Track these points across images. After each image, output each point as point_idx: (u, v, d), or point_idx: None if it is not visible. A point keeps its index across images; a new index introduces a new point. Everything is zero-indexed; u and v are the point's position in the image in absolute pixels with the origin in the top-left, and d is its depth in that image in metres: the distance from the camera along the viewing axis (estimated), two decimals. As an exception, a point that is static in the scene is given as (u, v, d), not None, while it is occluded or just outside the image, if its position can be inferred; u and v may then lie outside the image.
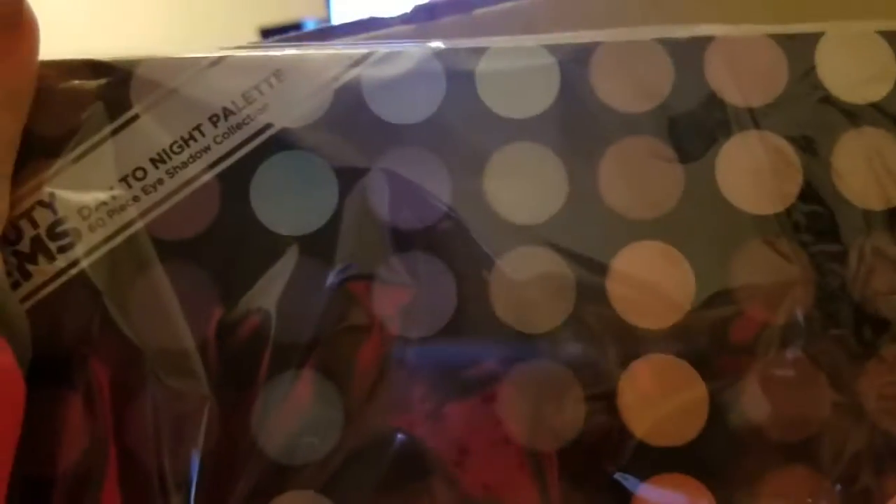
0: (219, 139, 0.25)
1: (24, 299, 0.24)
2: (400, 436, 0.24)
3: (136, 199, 0.25)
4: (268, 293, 0.24)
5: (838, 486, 0.23)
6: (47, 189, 0.25)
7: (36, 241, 0.25)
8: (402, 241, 0.25)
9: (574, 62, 0.26)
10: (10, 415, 0.22)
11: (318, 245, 0.25)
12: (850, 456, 0.23)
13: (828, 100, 0.26)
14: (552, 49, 0.26)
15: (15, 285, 0.24)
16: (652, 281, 0.25)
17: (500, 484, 0.24)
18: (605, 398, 0.24)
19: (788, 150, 0.26)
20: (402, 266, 0.25)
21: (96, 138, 0.25)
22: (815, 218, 0.25)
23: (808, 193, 0.25)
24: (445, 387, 0.24)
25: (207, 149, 0.25)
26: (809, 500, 0.23)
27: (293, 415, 0.24)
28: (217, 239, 0.25)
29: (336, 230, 0.25)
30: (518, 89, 0.26)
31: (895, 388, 0.24)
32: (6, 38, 0.23)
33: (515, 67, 0.26)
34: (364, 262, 0.25)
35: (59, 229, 0.25)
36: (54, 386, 0.24)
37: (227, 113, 0.26)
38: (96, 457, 0.23)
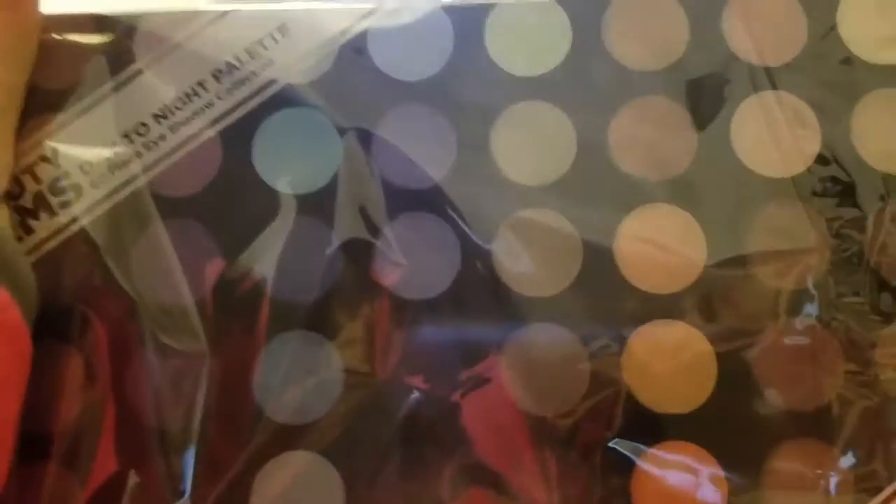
0: (222, 95, 0.24)
1: (26, 255, 0.23)
2: (404, 399, 0.23)
3: (138, 154, 0.24)
4: (267, 252, 0.23)
5: (849, 458, 0.22)
6: (50, 144, 0.24)
7: (38, 196, 0.23)
8: (405, 202, 0.23)
9: (586, 18, 0.24)
10: (18, 369, 0.21)
11: (319, 204, 0.23)
12: (862, 427, 0.22)
13: (849, 60, 0.24)
14: (565, 4, 0.24)
15: (17, 241, 0.23)
16: (661, 245, 0.23)
17: (501, 450, 0.22)
18: (610, 364, 0.22)
19: (807, 111, 0.24)
20: (405, 227, 0.23)
21: (99, 93, 0.24)
22: (834, 182, 0.23)
23: (827, 157, 0.23)
24: (449, 353, 0.23)
25: (210, 104, 0.24)
26: (819, 472, 0.22)
27: (294, 375, 0.22)
28: (218, 195, 0.23)
29: (337, 190, 0.23)
30: (528, 46, 0.24)
31: (912, 359, 0.22)
32: None
33: (526, 23, 0.24)
34: (365, 223, 0.23)
35: (61, 185, 0.23)
36: (54, 342, 0.22)
37: (230, 68, 0.24)
38: (94, 414, 0.22)
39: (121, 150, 0.24)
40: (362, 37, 0.24)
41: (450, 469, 0.22)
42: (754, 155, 0.24)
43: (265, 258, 0.23)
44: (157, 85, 0.24)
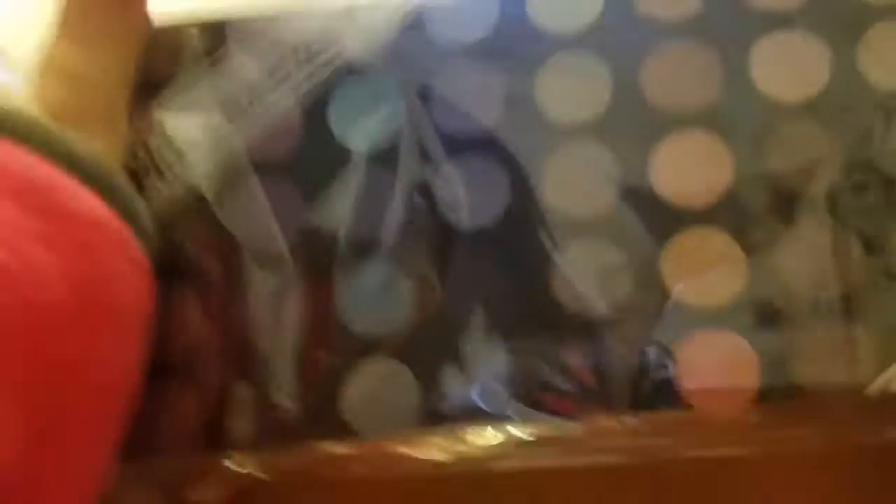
0: (300, 69, 0.28)
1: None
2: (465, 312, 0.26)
3: (231, 121, 0.28)
4: (343, 198, 0.27)
5: (871, 331, 0.24)
6: (157, 117, 0.28)
7: (149, 161, 0.28)
8: (459, 145, 0.27)
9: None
10: (144, 298, 0.25)
11: (386, 155, 0.27)
12: (884, 309, 0.24)
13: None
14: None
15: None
16: (693, 165, 0.26)
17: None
18: (649, 269, 0.25)
19: (817, 42, 0.26)
20: (461, 168, 0.27)
21: (197, 73, 0.28)
22: (842, 103, 0.26)
23: (837, 81, 0.26)
24: (500, 279, 0.26)
25: (290, 77, 0.28)
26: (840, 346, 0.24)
27: (369, 297, 0.26)
28: (300, 155, 0.27)
29: (400, 142, 0.27)
30: (564, 5, 0.27)
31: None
32: None
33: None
34: (426, 167, 0.27)
35: (168, 150, 0.28)
36: (169, 281, 0.26)
37: (306, 45, 0.28)
38: (208, 336, 0.26)
39: (217, 119, 0.28)
40: (418, 10, 0.28)
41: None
42: (771, 83, 0.26)
43: (342, 205, 0.27)
44: (245, 63, 0.28)
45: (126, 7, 0.27)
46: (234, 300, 0.26)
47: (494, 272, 0.26)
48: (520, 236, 0.26)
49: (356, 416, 0.25)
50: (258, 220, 0.27)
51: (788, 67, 0.26)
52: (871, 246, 0.24)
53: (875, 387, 0.23)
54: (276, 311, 0.26)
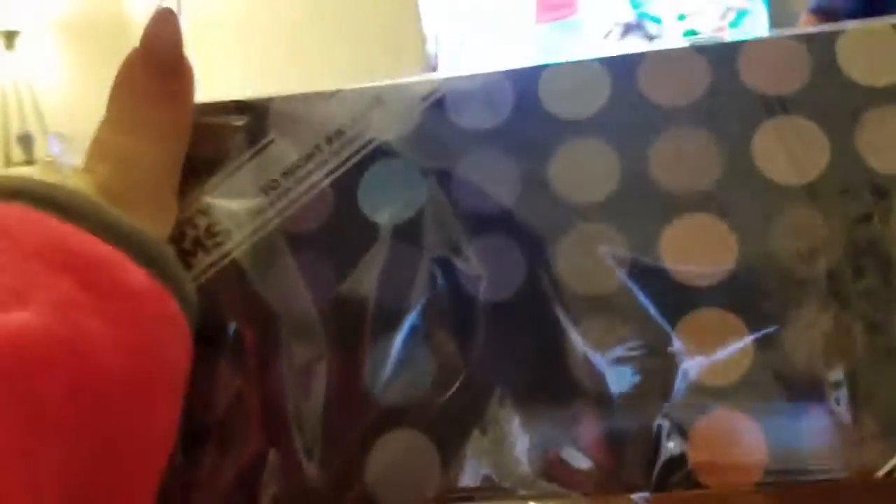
0: (334, 153, 0.30)
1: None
2: (486, 386, 0.27)
3: (271, 204, 0.30)
4: (371, 271, 0.28)
5: (877, 411, 0.25)
6: (204, 200, 0.30)
7: (196, 240, 0.30)
8: (480, 225, 0.29)
9: (622, 69, 0.29)
10: (185, 366, 0.27)
11: (410, 233, 0.29)
12: (887, 394, 0.25)
13: (849, 84, 0.28)
14: (604, 62, 0.30)
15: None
16: (698, 248, 0.27)
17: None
18: (662, 346, 0.26)
19: (815, 129, 0.28)
20: (481, 245, 0.28)
21: (241, 159, 0.31)
22: (844, 185, 0.27)
23: (836, 164, 0.27)
24: (522, 351, 0.27)
25: (325, 161, 0.30)
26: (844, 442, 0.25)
27: (396, 368, 0.27)
28: (332, 231, 0.29)
29: (424, 220, 0.29)
30: (575, 94, 0.29)
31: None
32: (173, 82, 0.29)
33: (574, 77, 0.30)
34: (448, 244, 0.28)
35: (214, 230, 0.30)
36: (210, 350, 0.28)
37: (339, 132, 0.30)
38: (242, 405, 0.28)
39: (259, 200, 0.30)
40: (441, 98, 0.30)
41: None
42: (772, 166, 0.28)
43: (369, 277, 0.28)
44: (284, 149, 0.30)
45: (173, 100, 0.30)
46: (268, 368, 0.28)
47: (513, 347, 0.27)
48: (536, 311, 0.28)
49: (379, 486, 0.26)
50: (292, 291, 0.29)
51: (789, 152, 0.28)
52: (873, 326, 0.25)
53: (883, 472, 0.24)
54: (307, 379, 0.28)
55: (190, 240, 0.30)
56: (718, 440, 0.25)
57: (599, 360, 0.27)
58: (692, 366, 0.26)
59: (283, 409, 0.27)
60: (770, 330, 0.26)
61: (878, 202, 0.27)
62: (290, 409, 0.27)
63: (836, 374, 0.25)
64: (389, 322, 0.28)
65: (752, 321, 0.26)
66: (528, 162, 0.29)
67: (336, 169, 0.30)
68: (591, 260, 0.28)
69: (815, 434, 0.25)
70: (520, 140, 0.29)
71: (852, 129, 0.28)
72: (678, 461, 0.26)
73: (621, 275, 0.27)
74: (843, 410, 0.25)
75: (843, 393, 0.25)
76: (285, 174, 0.30)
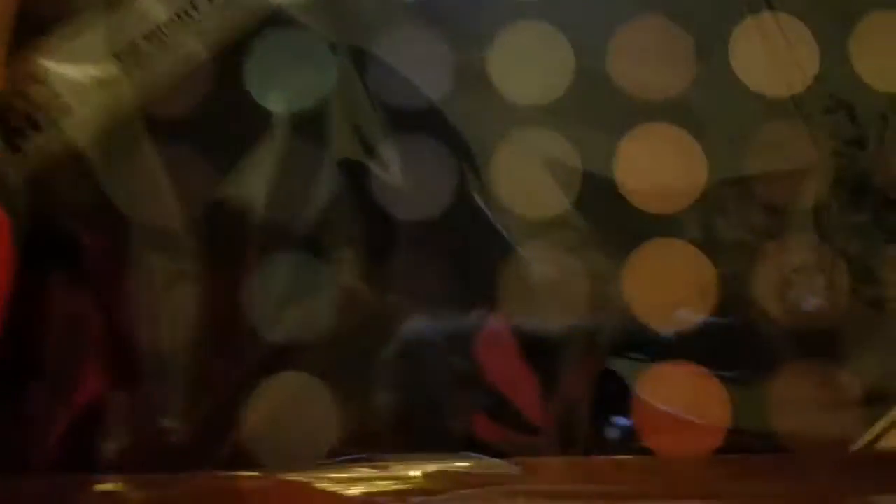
0: (214, 15, 0.23)
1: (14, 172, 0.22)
2: (403, 321, 0.22)
3: (128, 73, 0.23)
4: (259, 172, 0.22)
5: (855, 377, 0.21)
6: (41, 64, 0.23)
7: (26, 116, 0.22)
8: (401, 122, 0.22)
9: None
10: (2, 274, 0.20)
11: (313, 124, 0.22)
12: (870, 346, 0.21)
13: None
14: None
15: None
16: (661, 164, 0.22)
17: (502, 372, 0.21)
18: (610, 283, 0.22)
19: (804, 31, 0.23)
20: (401, 148, 0.22)
21: (90, 15, 0.23)
22: (833, 101, 0.22)
23: (826, 76, 0.23)
24: (448, 275, 0.22)
25: (202, 25, 0.23)
26: (825, 390, 0.21)
27: (288, 296, 0.21)
28: (209, 116, 0.23)
29: (331, 109, 0.22)
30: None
31: (917, 276, 0.21)
32: None
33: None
34: (361, 143, 0.22)
35: (51, 104, 0.22)
36: (40, 260, 0.21)
37: (222, -13, 0.23)
38: (79, 334, 0.21)
39: (111, 69, 0.23)
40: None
41: (452, 391, 0.21)
42: (753, 74, 0.23)
43: (257, 179, 0.22)
44: (149, 5, 0.23)
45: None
46: (116, 288, 0.21)
47: (435, 276, 0.22)
48: (465, 234, 0.22)
49: (259, 443, 0.21)
50: (152, 190, 0.22)
51: (772, 56, 0.23)
52: (861, 271, 0.21)
53: (860, 444, 0.20)
54: (167, 305, 0.21)
55: (19, 115, 0.22)
56: (670, 397, 0.21)
57: (536, 294, 0.22)
58: (642, 307, 0.22)
59: (133, 342, 0.21)
60: (738, 269, 0.22)
61: (872, 125, 0.22)
62: (144, 343, 0.21)
63: (814, 326, 0.21)
64: (280, 238, 0.22)
65: (719, 257, 0.22)
66: (463, 47, 0.23)
67: (217, 36, 0.23)
68: (534, 174, 0.22)
69: (786, 397, 0.21)
70: (453, 18, 0.23)
71: (846, 37, 0.23)
72: (621, 420, 0.21)
73: (569, 193, 0.22)
74: (820, 370, 0.21)
75: (822, 349, 0.21)
76: (148, 38, 0.23)
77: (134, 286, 0.21)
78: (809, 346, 0.21)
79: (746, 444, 0.21)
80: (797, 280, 0.21)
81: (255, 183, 0.22)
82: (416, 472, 0.20)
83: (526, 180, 0.22)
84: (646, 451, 0.21)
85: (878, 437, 0.21)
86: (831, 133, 0.22)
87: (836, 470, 0.20)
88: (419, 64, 0.23)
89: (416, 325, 0.21)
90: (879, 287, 0.21)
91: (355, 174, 0.22)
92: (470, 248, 0.22)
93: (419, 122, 0.22)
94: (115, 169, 0.22)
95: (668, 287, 0.22)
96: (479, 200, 0.22)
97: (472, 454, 0.21)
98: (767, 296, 0.21)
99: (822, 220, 0.22)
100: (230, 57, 0.23)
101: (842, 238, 0.22)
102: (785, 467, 0.20)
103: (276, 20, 0.23)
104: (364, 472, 0.20)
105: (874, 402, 0.21)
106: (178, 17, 0.23)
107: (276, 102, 0.23)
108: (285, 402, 0.21)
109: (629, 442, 0.21)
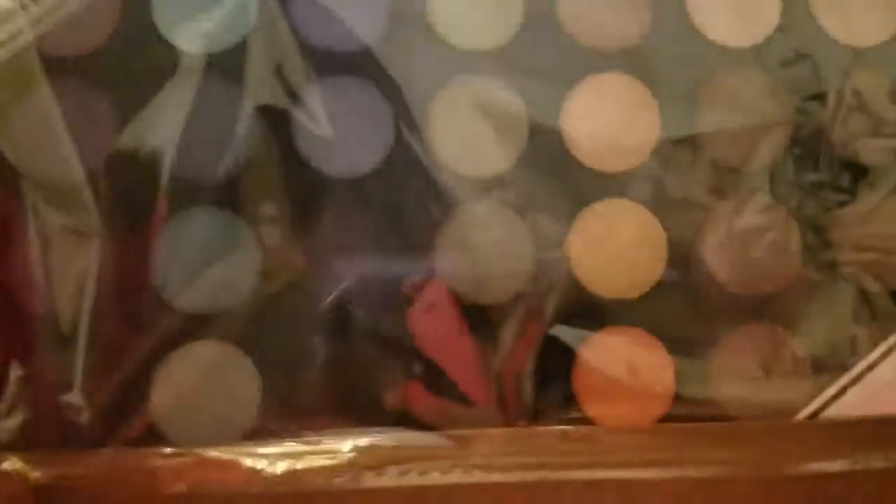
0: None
1: None
2: (332, 286, 0.20)
3: (23, 7, 0.20)
4: (169, 118, 0.19)
5: (804, 343, 0.20)
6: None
7: None
8: (329, 65, 0.20)
9: None
10: None
11: (229, 65, 0.20)
12: (818, 310, 0.20)
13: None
14: None
15: None
16: (613, 118, 0.21)
17: (440, 340, 0.20)
18: (555, 246, 0.20)
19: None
20: (329, 94, 0.20)
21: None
22: (794, 54, 0.21)
23: (787, 26, 0.21)
24: (381, 236, 0.20)
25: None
26: (772, 356, 0.20)
27: (201, 258, 0.19)
28: (113, 55, 0.20)
29: (248, 49, 0.20)
30: None
31: (871, 240, 0.20)
32: None
33: None
34: (283, 87, 0.20)
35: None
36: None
37: None
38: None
39: (4, 2, 0.20)
40: None
41: (384, 361, 0.20)
42: (712, 23, 0.21)
43: (166, 125, 0.20)
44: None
45: None
46: (8, 249, 0.19)
47: (367, 236, 0.20)
48: (401, 192, 0.20)
49: (170, 419, 0.19)
50: (48, 138, 0.19)
51: (733, 3, 0.21)
52: (817, 230, 0.20)
53: (806, 413, 0.19)
54: (67, 267, 0.19)
55: None
56: (614, 365, 0.20)
57: (476, 258, 0.20)
58: (588, 272, 0.20)
59: (28, 308, 0.19)
60: (687, 231, 0.20)
61: (834, 80, 0.21)
62: (41, 308, 0.19)
63: (764, 288, 0.20)
64: (192, 193, 0.19)
65: (668, 219, 0.20)
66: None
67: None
68: (476, 126, 0.20)
69: (733, 364, 0.20)
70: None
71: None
72: (562, 388, 0.20)
73: (514, 149, 0.20)
74: (768, 336, 0.20)
75: (770, 315, 0.20)
76: (42, -36, 0.20)
77: (26, 247, 0.19)
78: (757, 312, 0.20)
79: (690, 412, 0.20)
80: (748, 242, 0.20)
81: (163, 131, 0.20)
82: (346, 447, 0.19)
83: (467, 133, 0.20)
84: (588, 421, 0.20)
85: (824, 406, 0.20)
86: (792, 88, 0.21)
87: (780, 438, 0.19)
88: (351, 1, 0.20)
89: (346, 289, 0.20)
90: (831, 250, 0.20)
91: (277, 122, 0.20)
92: (404, 208, 0.20)
93: (350, 66, 0.20)
94: (4, 114, 0.19)
95: (616, 251, 0.20)
96: (415, 155, 0.20)
97: (405, 428, 0.19)
98: (717, 259, 0.20)
99: (777, 179, 0.20)
100: (136, -13, 0.20)
101: (795, 198, 0.20)
102: (728, 435, 0.19)
103: (187, -53, 0.20)
104: (290, 447, 0.19)
105: (821, 370, 0.20)
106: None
107: (188, 41, 0.20)
108: (200, 373, 0.19)
109: (572, 411, 0.20)
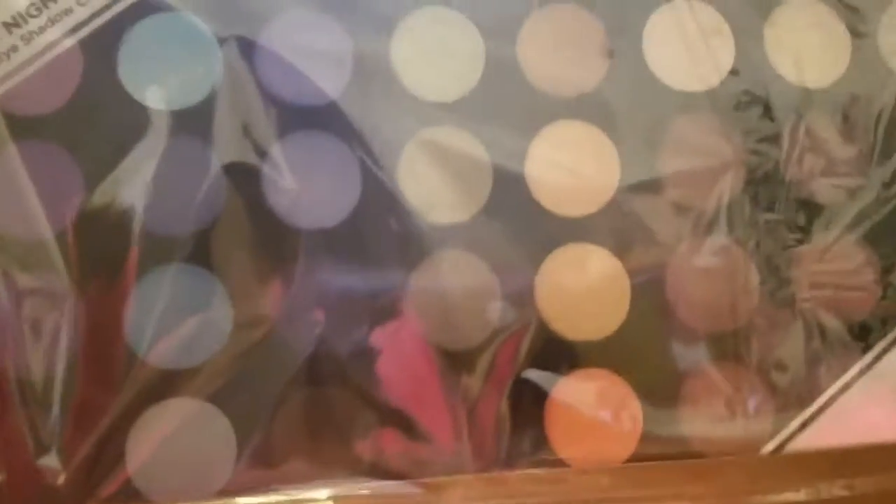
0: (83, 0, 0.20)
1: None
2: (303, 337, 0.20)
3: (-16, 67, 0.20)
4: (137, 176, 0.19)
5: (767, 379, 0.20)
6: None
7: None
8: (296, 120, 0.20)
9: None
10: None
11: (196, 122, 0.20)
12: (780, 347, 0.20)
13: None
14: None
15: None
16: (574, 165, 0.21)
17: (411, 387, 0.20)
18: (522, 291, 0.20)
19: (720, 21, 0.22)
20: (296, 148, 0.20)
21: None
22: (748, 96, 0.21)
23: (741, 69, 0.22)
24: (351, 286, 0.20)
25: (69, 11, 0.20)
26: (736, 395, 0.20)
27: (173, 314, 0.19)
28: (79, 113, 0.20)
29: (215, 106, 0.20)
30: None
31: (828, 277, 0.21)
32: None
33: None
34: (251, 144, 0.20)
35: None
36: None
37: (90, -32, 0.20)
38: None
39: (-38, 61, 0.20)
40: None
41: (356, 410, 0.20)
42: (668, 68, 0.21)
43: (134, 183, 0.20)
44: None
45: None
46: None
47: (338, 290, 0.20)
48: (372, 244, 0.20)
49: (150, 477, 0.18)
50: (15, 199, 0.19)
51: (688, 47, 0.22)
52: (773, 268, 0.21)
53: (770, 447, 0.20)
54: (38, 328, 0.19)
55: None
56: (584, 407, 0.20)
57: (446, 304, 0.20)
58: (555, 316, 0.20)
59: (1, 371, 0.19)
60: (650, 273, 0.21)
61: (786, 120, 0.21)
62: (12, 372, 0.19)
63: (724, 326, 0.21)
64: (163, 250, 0.19)
65: (631, 261, 0.21)
66: (363, 35, 0.21)
67: (86, 22, 0.20)
68: (441, 174, 0.21)
69: (698, 401, 0.20)
70: (351, 2, 0.21)
71: (762, 25, 0.22)
72: (534, 431, 0.20)
73: (479, 194, 0.21)
74: (730, 373, 0.20)
75: (731, 351, 0.20)
76: (8, 25, 0.20)
77: (-2, 309, 0.19)
78: (720, 349, 0.20)
79: (659, 450, 0.20)
80: (707, 281, 0.20)
81: (132, 187, 0.20)
82: (323, 496, 0.19)
83: (433, 182, 0.21)
84: (561, 463, 0.20)
85: (788, 439, 0.20)
86: (746, 130, 0.21)
87: (746, 472, 0.19)
88: (314, 55, 0.21)
89: (318, 340, 0.20)
90: (790, 287, 0.20)
91: (246, 178, 0.20)
92: (374, 258, 0.20)
93: (316, 120, 0.20)
94: (-30, 175, 0.19)
95: (581, 294, 0.20)
96: (383, 204, 0.20)
97: (375, 478, 0.19)
98: (677, 298, 0.20)
99: (734, 219, 0.21)
100: (102, 44, 0.20)
101: (753, 238, 0.21)
102: (696, 471, 0.19)
103: (152, 4, 0.20)
104: (268, 498, 0.19)
105: (784, 404, 0.20)
106: (42, 1, 0.20)
107: (155, 98, 0.20)
108: (174, 431, 0.19)
109: (544, 453, 0.20)
